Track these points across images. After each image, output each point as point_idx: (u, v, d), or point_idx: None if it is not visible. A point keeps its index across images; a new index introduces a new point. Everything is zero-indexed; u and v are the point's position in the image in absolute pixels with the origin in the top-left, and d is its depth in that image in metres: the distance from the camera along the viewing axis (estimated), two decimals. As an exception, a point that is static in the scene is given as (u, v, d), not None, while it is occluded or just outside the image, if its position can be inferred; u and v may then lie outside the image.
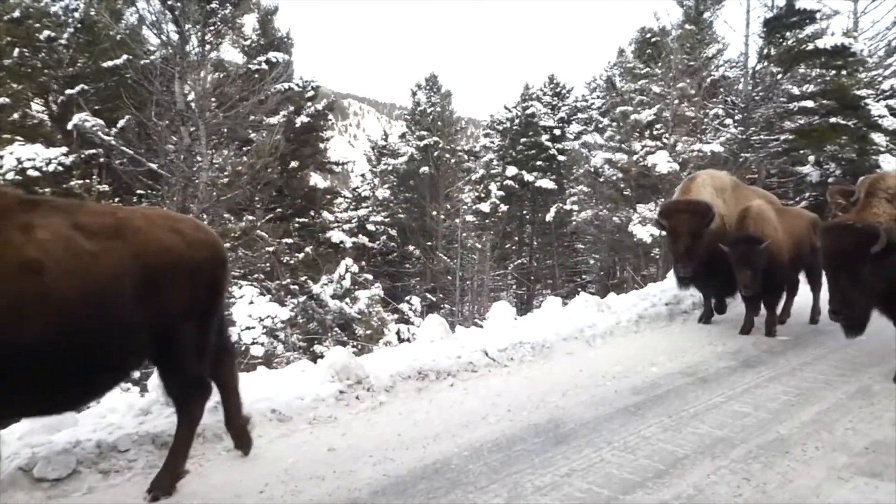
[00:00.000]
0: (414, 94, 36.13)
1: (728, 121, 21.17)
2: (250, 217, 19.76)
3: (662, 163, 16.60)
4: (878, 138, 20.18)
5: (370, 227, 32.62)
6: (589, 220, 21.13)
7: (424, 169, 32.28)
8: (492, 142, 36.59)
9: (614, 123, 23.06)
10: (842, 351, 7.35)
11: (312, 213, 27.68)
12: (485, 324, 7.65)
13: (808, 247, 8.49)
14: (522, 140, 35.00)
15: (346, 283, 18.93)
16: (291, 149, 25.90)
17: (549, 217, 22.91)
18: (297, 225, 28.17)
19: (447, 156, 32.37)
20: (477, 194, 27.92)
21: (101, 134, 13.59)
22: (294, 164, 24.55)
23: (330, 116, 28.04)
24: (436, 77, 35.81)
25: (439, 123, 33.09)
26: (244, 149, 13.62)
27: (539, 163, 33.88)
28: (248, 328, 13.59)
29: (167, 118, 13.09)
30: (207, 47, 13.34)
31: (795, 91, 19.45)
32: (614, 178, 18.48)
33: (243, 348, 13.03)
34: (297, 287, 19.96)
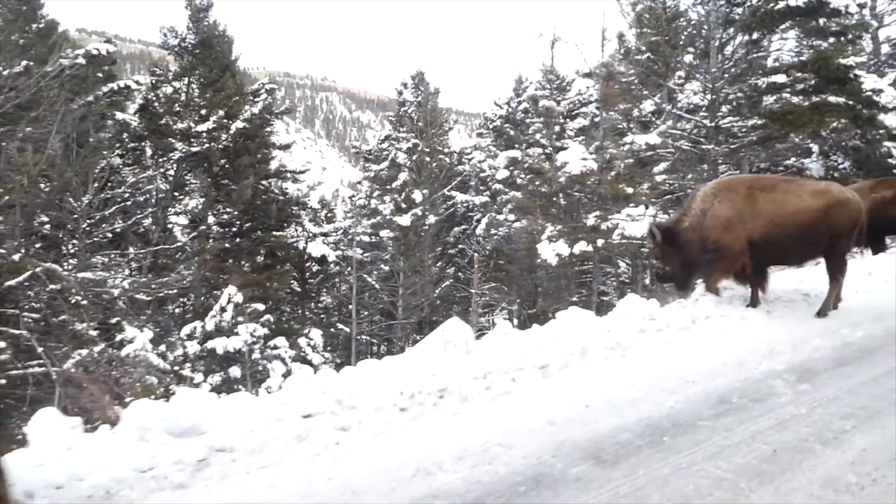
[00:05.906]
0: (400, 93, 33.42)
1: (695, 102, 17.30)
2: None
3: (575, 160, 12.97)
4: (890, 119, 15.84)
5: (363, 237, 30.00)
6: (510, 235, 17.58)
7: (403, 175, 29.42)
8: (483, 142, 33.26)
9: (531, 116, 19.49)
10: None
11: (257, 225, 25.35)
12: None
13: None
14: (517, 139, 31.55)
15: (228, 316, 16.28)
16: (230, 157, 23.79)
17: (479, 230, 19.42)
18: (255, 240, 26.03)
19: (427, 159, 29.35)
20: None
21: None
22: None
23: (274, 122, 25.62)
24: (422, 74, 32.94)
25: (420, 124, 30.16)
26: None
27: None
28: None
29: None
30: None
31: (770, 64, 15.38)
32: (528, 182, 14.98)
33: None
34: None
